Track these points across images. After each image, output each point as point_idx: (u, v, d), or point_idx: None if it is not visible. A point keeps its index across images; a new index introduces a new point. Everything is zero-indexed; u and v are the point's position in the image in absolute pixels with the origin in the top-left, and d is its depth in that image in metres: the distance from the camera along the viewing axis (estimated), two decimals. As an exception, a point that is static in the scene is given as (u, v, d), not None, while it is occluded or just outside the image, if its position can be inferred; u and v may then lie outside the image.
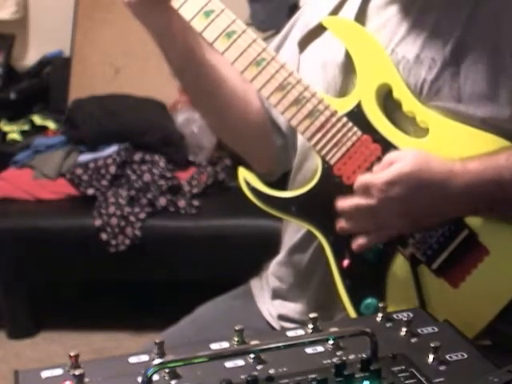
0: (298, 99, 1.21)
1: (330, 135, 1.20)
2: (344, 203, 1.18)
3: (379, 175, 1.15)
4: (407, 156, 1.16)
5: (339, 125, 1.20)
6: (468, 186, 1.13)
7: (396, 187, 1.13)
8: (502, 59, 1.17)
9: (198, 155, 2.92)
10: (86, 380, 0.85)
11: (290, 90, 1.21)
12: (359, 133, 1.20)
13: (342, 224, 1.18)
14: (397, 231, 1.17)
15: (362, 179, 1.17)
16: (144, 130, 2.89)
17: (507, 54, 1.17)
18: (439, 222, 1.17)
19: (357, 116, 1.21)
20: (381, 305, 1.01)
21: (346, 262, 1.21)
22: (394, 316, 0.99)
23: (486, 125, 1.17)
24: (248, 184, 1.25)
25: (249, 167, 1.31)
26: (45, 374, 0.88)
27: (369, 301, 1.19)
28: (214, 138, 2.76)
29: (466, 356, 0.90)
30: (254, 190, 1.25)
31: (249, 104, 1.37)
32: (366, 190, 1.15)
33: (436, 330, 0.96)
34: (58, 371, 0.88)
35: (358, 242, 1.17)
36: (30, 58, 3.51)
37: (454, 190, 1.13)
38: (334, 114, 1.20)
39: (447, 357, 0.89)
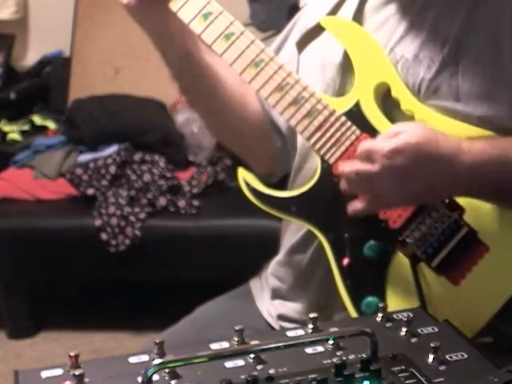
0: (296, 99, 1.21)
1: (328, 134, 1.20)
2: (344, 166, 1.16)
3: (385, 143, 1.13)
4: (414, 128, 1.14)
5: (338, 124, 1.20)
6: (473, 164, 1.12)
7: (401, 156, 1.10)
8: (501, 58, 1.17)
9: (198, 155, 2.92)
10: (86, 380, 0.85)
11: (289, 91, 1.21)
12: (358, 132, 1.20)
13: (342, 184, 1.17)
14: (394, 203, 1.15)
15: (365, 145, 1.15)
16: (144, 130, 2.89)
17: (506, 53, 1.17)
18: (438, 199, 1.16)
19: (355, 115, 1.21)
20: (381, 305, 1.01)
21: (346, 261, 1.21)
22: (394, 316, 0.99)
23: (484, 123, 1.17)
24: (248, 184, 1.25)
25: (248, 168, 1.31)
26: (45, 373, 0.88)
27: (369, 299, 1.19)
28: (213, 138, 2.76)
29: (465, 356, 0.90)
30: (253, 191, 1.25)
31: (248, 106, 1.37)
32: (368, 156, 1.12)
33: (436, 329, 0.96)
34: (58, 371, 0.88)
35: (353, 205, 1.16)
36: (30, 57, 3.51)
37: (460, 166, 1.12)
38: (332, 113, 1.21)
39: (447, 357, 0.89)
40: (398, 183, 1.12)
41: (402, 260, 1.19)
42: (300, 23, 1.39)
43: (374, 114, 1.21)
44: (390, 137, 1.13)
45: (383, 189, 1.13)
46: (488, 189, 1.15)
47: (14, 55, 3.47)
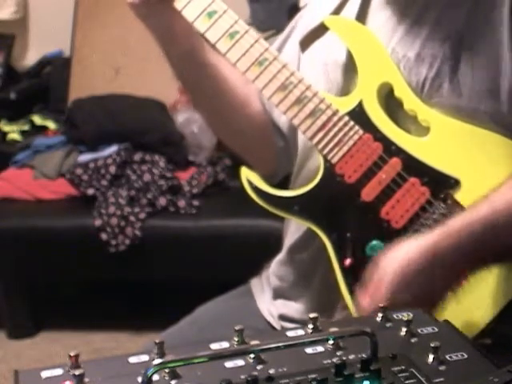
0: (299, 99, 1.21)
1: (331, 134, 1.21)
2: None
3: (384, 277, 1.09)
4: (385, 264, 1.10)
5: (341, 124, 1.20)
6: (456, 248, 1.08)
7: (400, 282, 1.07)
8: (501, 52, 1.17)
9: (198, 155, 2.92)
10: (86, 380, 0.85)
11: (292, 90, 1.21)
12: (361, 131, 1.20)
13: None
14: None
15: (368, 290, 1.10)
16: (144, 130, 2.89)
17: (507, 48, 1.17)
18: (452, 286, 1.13)
19: (358, 115, 1.21)
20: (381, 305, 1.01)
21: (348, 261, 1.21)
22: (394, 316, 0.99)
23: (488, 120, 1.17)
24: (250, 183, 1.25)
25: (250, 167, 1.32)
26: (45, 373, 0.88)
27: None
28: (214, 138, 2.76)
29: (466, 356, 0.90)
30: (256, 190, 1.25)
31: (250, 106, 1.37)
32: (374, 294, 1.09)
33: (436, 329, 0.96)
34: (58, 371, 0.88)
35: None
36: (30, 57, 3.51)
37: (445, 258, 1.08)
38: (335, 113, 1.21)
39: (447, 357, 0.89)
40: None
41: None
42: (302, 23, 1.39)
43: (376, 114, 1.21)
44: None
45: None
46: (491, 257, 1.11)
47: (14, 55, 3.47)
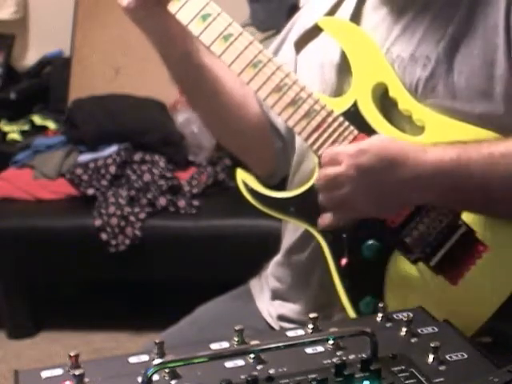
0: (294, 100, 1.21)
1: (326, 135, 1.21)
2: (316, 177, 1.17)
3: (349, 145, 1.16)
4: (377, 136, 1.17)
5: (335, 124, 1.20)
6: (436, 163, 1.11)
7: (366, 155, 1.11)
8: (496, 55, 1.17)
9: (198, 155, 2.92)
10: (86, 380, 0.85)
11: (287, 91, 1.22)
12: (356, 132, 1.20)
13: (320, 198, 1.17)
14: (360, 209, 1.15)
15: (330, 150, 1.17)
16: (144, 130, 2.89)
17: (500, 49, 1.17)
18: (401, 206, 1.16)
19: (353, 115, 1.21)
20: (381, 305, 1.01)
21: (344, 261, 1.21)
22: (394, 316, 0.99)
23: (483, 121, 1.17)
24: (246, 185, 1.25)
25: (248, 169, 1.32)
26: (45, 373, 0.88)
27: (368, 299, 1.19)
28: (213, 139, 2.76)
29: (466, 356, 0.90)
30: (251, 191, 1.25)
31: (247, 107, 1.38)
32: (334, 159, 1.14)
33: (436, 329, 0.96)
34: (58, 371, 0.88)
35: (322, 218, 1.17)
36: (30, 57, 3.51)
37: (424, 165, 1.11)
38: (330, 113, 1.21)
39: (447, 357, 0.89)
40: (365, 184, 1.12)
41: (399, 260, 1.19)
42: (298, 24, 1.39)
43: (371, 114, 1.21)
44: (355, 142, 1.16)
45: (348, 193, 1.12)
46: (455, 199, 1.14)
47: (14, 55, 3.47)
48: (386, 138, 1.16)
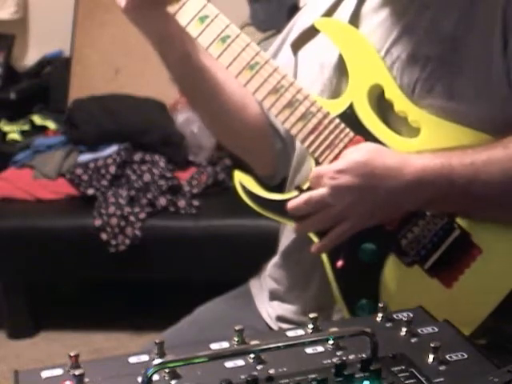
0: (291, 102, 1.21)
1: (322, 137, 1.21)
2: (295, 201, 1.18)
3: (331, 165, 1.17)
4: (360, 147, 1.17)
5: (332, 126, 1.20)
6: (421, 173, 1.12)
7: (346, 174, 1.13)
8: (493, 57, 1.17)
9: (198, 155, 2.92)
10: (86, 380, 0.85)
11: (283, 93, 1.22)
12: (351, 134, 1.20)
13: (298, 225, 1.19)
14: (354, 222, 1.16)
15: (314, 171, 1.18)
16: (144, 130, 2.89)
17: (498, 52, 1.17)
18: (396, 214, 1.17)
19: (349, 117, 1.21)
20: (381, 305, 1.01)
21: (340, 263, 1.21)
22: (394, 316, 0.99)
23: (479, 123, 1.16)
24: (243, 187, 1.25)
25: (248, 169, 1.31)
26: (45, 373, 0.88)
27: (363, 302, 1.19)
28: (214, 139, 2.76)
29: (465, 356, 0.90)
30: (249, 193, 1.25)
31: (247, 108, 1.38)
32: (318, 181, 1.16)
33: (436, 329, 0.96)
34: (58, 371, 0.88)
35: (317, 244, 1.19)
36: (30, 57, 3.51)
37: (408, 176, 1.12)
38: (326, 115, 1.21)
39: (447, 357, 0.89)
40: (350, 202, 1.14)
41: (395, 262, 1.19)
42: (298, 25, 1.39)
43: (367, 116, 1.21)
44: (338, 159, 1.17)
45: (338, 211, 1.15)
46: (440, 201, 1.15)
47: (14, 55, 3.47)
48: (367, 151, 1.16)
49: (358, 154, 1.15)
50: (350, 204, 1.14)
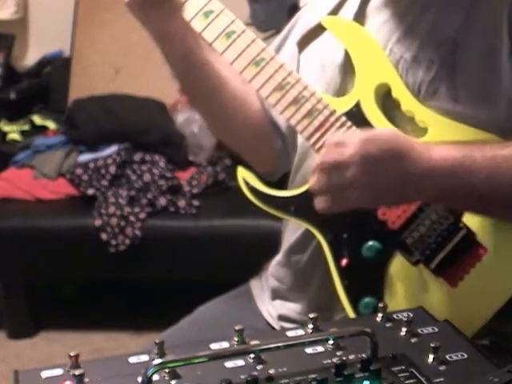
0: (296, 98, 1.21)
1: (328, 135, 1.20)
2: (319, 157, 1.13)
3: (358, 132, 1.13)
4: (383, 128, 1.17)
5: (338, 124, 1.20)
6: (439, 162, 1.10)
7: (374, 144, 1.08)
8: (498, 59, 1.16)
9: (198, 155, 2.92)
10: (86, 380, 0.85)
11: (289, 90, 1.21)
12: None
13: (311, 181, 1.13)
14: (355, 197, 1.10)
15: (338, 133, 1.15)
16: (144, 130, 2.89)
17: (503, 54, 1.16)
18: (397, 202, 1.15)
19: (356, 115, 1.21)
20: (380, 305, 1.01)
21: (344, 261, 1.21)
22: (394, 316, 0.99)
23: (485, 125, 1.16)
24: (247, 183, 1.25)
25: (249, 167, 1.31)
26: (45, 374, 0.88)
27: (367, 300, 1.19)
28: (214, 138, 2.76)
29: (466, 356, 0.90)
30: (252, 190, 1.25)
31: (249, 105, 1.37)
32: (341, 143, 1.10)
33: (436, 329, 0.96)
34: (58, 371, 0.88)
35: (318, 201, 1.13)
36: (30, 57, 3.51)
37: (427, 162, 1.10)
38: (332, 113, 1.20)
39: (447, 357, 0.89)
40: (367, 172, 1.08)
41: (400, 261, 1.19)
42: (300, 23, 1.39)
43: (374, 115, 1.21)
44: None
45: (351, 178, 1.08)
46: (461, 193, 1.12)
47: (14, 55, 3.47)
48: (395, 130, 1.15)
49: (389, 129, 1.14)
50: (365, 174, 1.09)
